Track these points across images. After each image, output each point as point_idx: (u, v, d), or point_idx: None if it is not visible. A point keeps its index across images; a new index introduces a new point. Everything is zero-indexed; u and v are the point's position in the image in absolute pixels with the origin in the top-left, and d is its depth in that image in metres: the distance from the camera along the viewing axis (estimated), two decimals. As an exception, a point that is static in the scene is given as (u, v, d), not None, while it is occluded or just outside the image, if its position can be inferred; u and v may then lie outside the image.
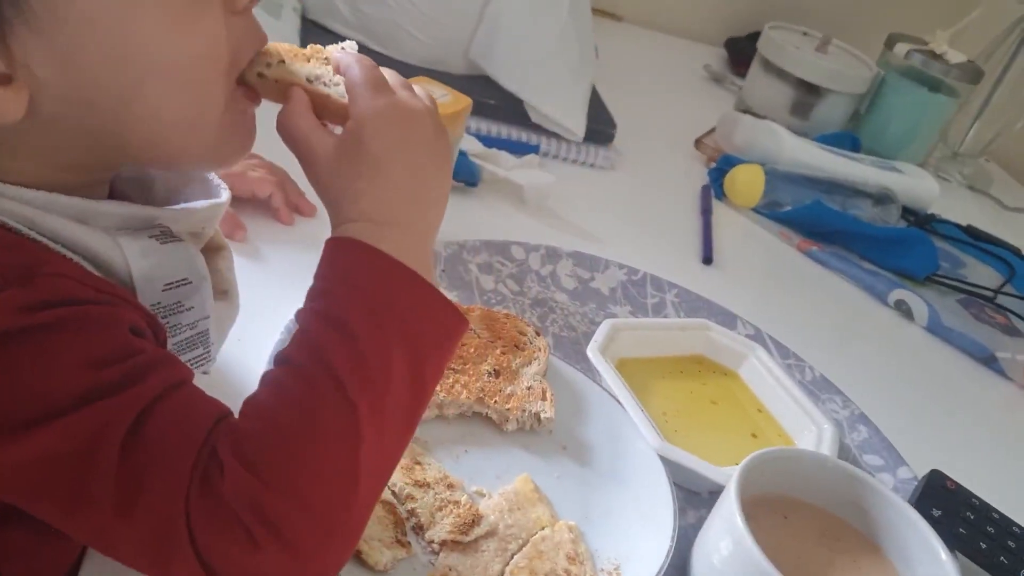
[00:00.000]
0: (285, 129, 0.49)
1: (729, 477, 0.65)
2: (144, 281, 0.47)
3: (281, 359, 0.44)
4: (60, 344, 0.40)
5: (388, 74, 0.51)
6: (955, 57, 1.38)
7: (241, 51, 0.48)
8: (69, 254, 0.44)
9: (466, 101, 0.82)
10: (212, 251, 0.58)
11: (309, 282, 0.74)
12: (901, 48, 1.39)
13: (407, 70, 1.09)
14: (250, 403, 0.42)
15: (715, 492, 0.68)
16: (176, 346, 0.51)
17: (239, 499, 0.39)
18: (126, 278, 0.47)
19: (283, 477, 0.40)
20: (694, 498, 0.70)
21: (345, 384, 0.41)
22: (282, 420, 0.41)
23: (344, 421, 0.41)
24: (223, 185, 0.57)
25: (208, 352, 0.53)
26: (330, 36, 1.12)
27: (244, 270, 0.76)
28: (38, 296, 0.40)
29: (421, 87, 0.52)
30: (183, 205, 0.53)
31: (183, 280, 0.50)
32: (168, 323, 0.50)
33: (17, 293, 0.39)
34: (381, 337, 0.43)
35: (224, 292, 0.57)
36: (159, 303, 0.49)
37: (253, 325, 0.70)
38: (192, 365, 0.52)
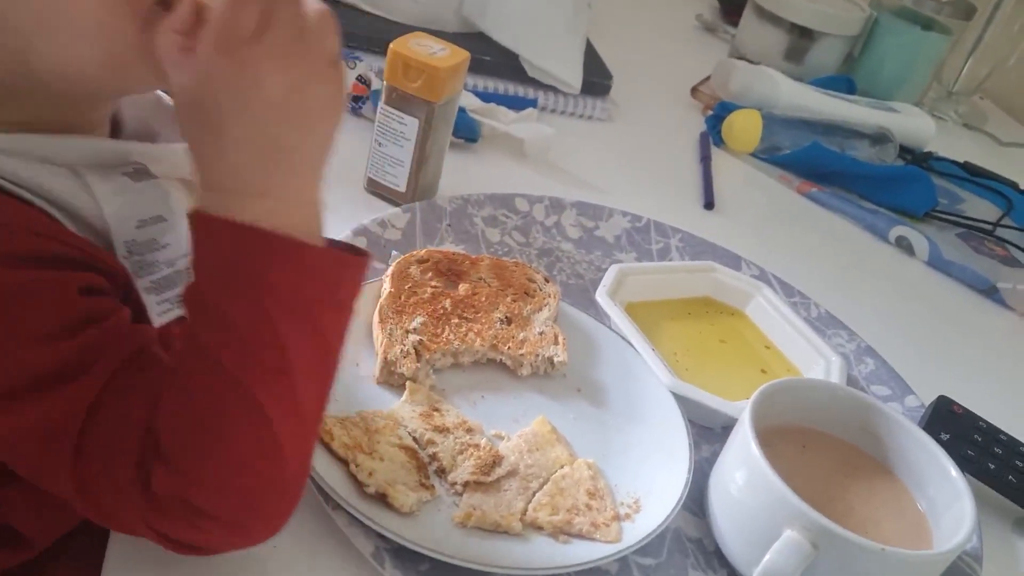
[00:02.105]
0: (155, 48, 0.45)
1: (741, 411, 0.67)
2: (116, 219, 0.48)
3: (179, 356, 0.43)
4: (10, 318, 0.42)
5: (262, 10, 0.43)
6: (946, -6, 1.38)
7: None
8: (29, 196, 0.45)
9: (463, 55, 0.82)
10: None
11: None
12: (893, -13, 1.39)
13: (401, 30, 1.10)
14: (165, 402, 0.43)
15: (728, 427, 0.70)
16: (154, 284, 0.51)
17: (172, 498, 0.42)
18: (95, 217, 0.48)
19: (205, 474, 0.42)
20: (708, 433, 0.71)
21: (239, 377, 0.42)
22: (192, 422, 0.42)
23: (248, 411, 0.42)
24: None
25: None
26: (322, -1, 1.12)
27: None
28: None
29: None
30: (162, 144, 0.53)
31: (158, 217, 0.51)
32: (144, 260, 0.50)
33: None
34: (260, 314, 0.42)
35: None
36: (133, 240, 0.50)
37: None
38: (172, 304, 0.52)
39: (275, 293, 0.42)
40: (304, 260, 0.43)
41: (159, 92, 0.57)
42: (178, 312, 0.52)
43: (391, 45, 0.80)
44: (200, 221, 0.43)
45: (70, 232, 0.46)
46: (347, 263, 0.46)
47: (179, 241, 0.52)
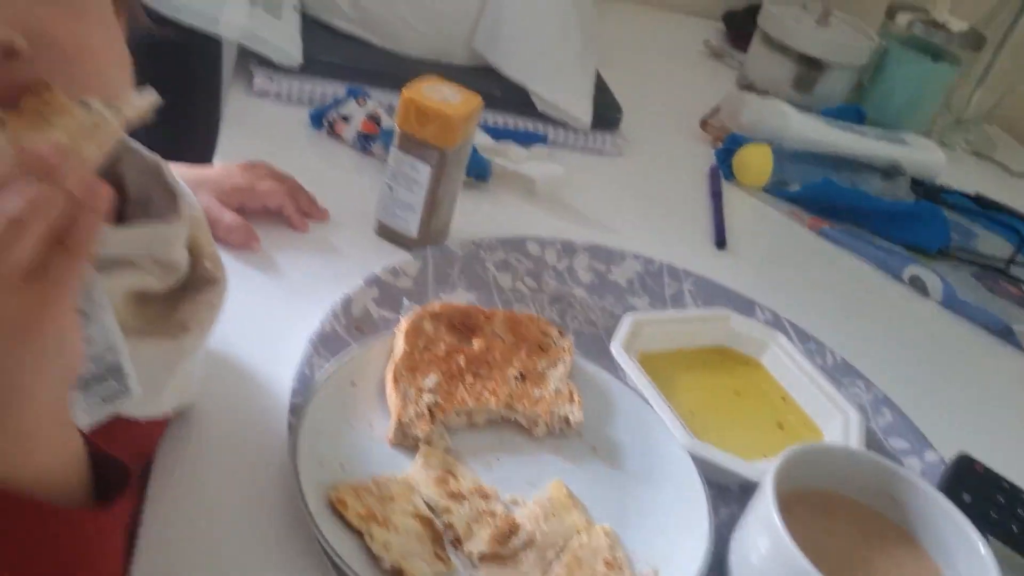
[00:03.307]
0: None
1: (760, 472, 0.65)
2: None
3: None
4: None
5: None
6: (956, 25, 1.37)
7: None
8: None
9: (476, 100, 0.81)
10: (202, 283, 0.55)
11: (326, 287, 0.75)
12: (902, 18, 1.38)
13: (410, 64, 1.09)
14: None
15: (745, 486, 0.69)
16: (81, 382, 0.45)
17: None
18: None
19: None
20: (725, 493, 0.70)
21: None
22: None
23: None
24: (192, 202, 0.54)
25: (125, 386, 0.47)
26: (331, 33, 1.11)
27: (260, 280, 0.77)
28: None
29: None
30: (123, 227, 0.48)
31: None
32: None
33: None
34: None
35: (184, 328, 0.53)
36: None
37: (274, 335, 0.71)
38: (104, 401, 0.47)
39: None
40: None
41: (159, 159, 0.55)
42: (110, 409, 0.47)
43: (404, 91, 0.79)
44: None
45: None
46: (62, 519, 0.40)
47: (104, 335, 0.45)
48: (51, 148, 0.35)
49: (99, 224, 0.36)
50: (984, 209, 1.27)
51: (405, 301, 0.77)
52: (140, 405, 0.49)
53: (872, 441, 0.78)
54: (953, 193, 1.28)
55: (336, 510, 0.56)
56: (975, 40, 1.39)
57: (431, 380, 0.66)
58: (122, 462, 0.44)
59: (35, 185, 0.34)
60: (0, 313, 0.35)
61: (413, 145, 0.80)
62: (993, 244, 1.20)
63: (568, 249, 0.90)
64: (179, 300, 0.54)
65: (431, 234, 0.85)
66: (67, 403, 0.41)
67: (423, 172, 0.81)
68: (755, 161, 1.14)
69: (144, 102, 0.39)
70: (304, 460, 0.58)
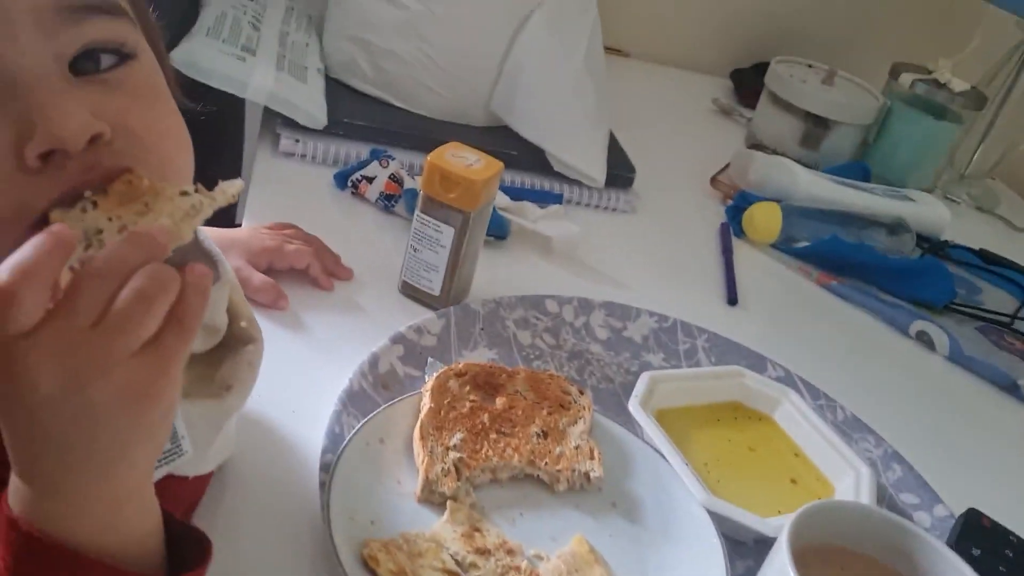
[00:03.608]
0: None
1: (775, 528, 0.68)
2: None
3: None
4: None
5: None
6: (959, 85, 1.41)
7: (33, 206, 0.40)
8: None
9: (497, 165, 0.85)
10: (239, 343, 0.57)
11: (351, 345, 0.77)
12: (906, 78, 1.42)
13: (430, 124, 1.13)
14: None
15: (761, 541, 0.71)
16: None
17: None
18: None
19: None
20: (741, 548, 0.72)
21: None
22: None
23: None
24: (224, 267, 0.56)
25: (177, 446, 0.50)
26: (354, 95, 1.15)
27: (288, 339, 0.80)
28: None
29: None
30: None
31: None
32: None
33: None
34: None
35: (227, 387, 0.55)
36: None
37: (302, 392, 0.73)
38: (160, 463, 0.49)
39: None
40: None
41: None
42: (166, 470, 0.50)
43: (429, 157, 0.82)
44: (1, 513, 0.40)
45: None
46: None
47: None
48: (161, 231, 0.39)
49: (206, 299, 0.39)
50: (988, 264, 1.30)
51: (429, 359, 0.80)
52: (190, 464, 0.51)
53: (883, 496, 0.81)
54: (958, 248, 1.31)
55: (368, 567, 0.58)
56: (977, 99, 1.43)
57: (457, 437, 0.69)
58: (201, 532, 0.46)
59: (159, 266, 0.38)
60: (124, 382, 0.37)
61: (437, 208, 0.83)
62: (997, 299, 1.23)
63: (585, 306, 0.93)
64: (219, 360, 0.57)
65: (453, 293, 0.88)
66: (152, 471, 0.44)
67: (447, 234, 0.84)
68: (765, 218, 1.18)
69: (233, 190, 0.43)
70: (336, 518, 0.60)
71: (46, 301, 0.36)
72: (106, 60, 0.43)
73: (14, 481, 0.40)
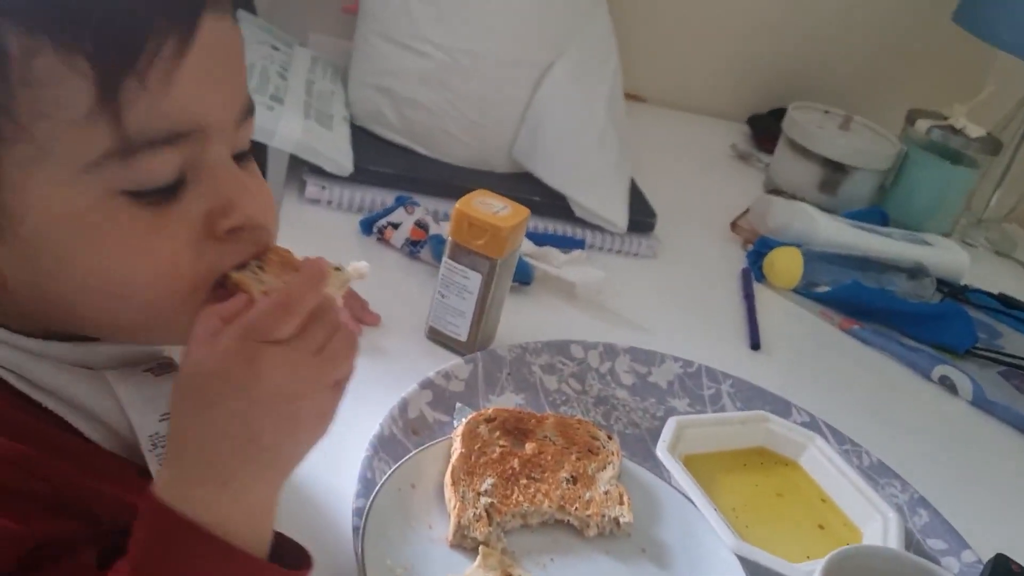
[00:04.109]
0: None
1: (806, 574, 0.68)
2: (140, 416, 0.50)
3: None
4: None
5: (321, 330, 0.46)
6: (974, 131, 1.42)
7: (220, 267, 0.47)
8: (49, 403, 0.47)
9: (524, 212, 0.86)
10: None
11: (380, 390, 0.78)
12: (922, 124, 1.44)
13: (454, 171, 1.15)
14: None
15: (790, 587, 0.71)
16: None
17: None
18: (116, 422, 0.49)
19: None
20: (770, 593, 0.72)
21: None
22: None
23: None
24: None
25: None
26: (379, 143, 1.17)
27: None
28: None
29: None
30: None
31: None
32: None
33: None
34: None
35: None
36: (156, 432, 0.50)
37: (333, 437, 0.74)
38: None
39: None
40: (234, 569, 0.44)
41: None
42: None
43: (457, 205, 0.84)
44: (149, 502, 0.44)
45: (62, 466, 0.46)
46: (275, 571, 0.46)
47: None
48: (331, 298, 0.48)
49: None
50: (1008, 308, 1.30)
51: (458, 404, 0.81)
52: None
53: (910, 542, 0.81)
54: (977, 292, 1.31)
55: (403, 611, 0.59)
56: (992, 145, 1.44)
57: (488, 483, 0.70)
58: (301, 546, 0.51)
59: (348, 326, 0.48)
60: (321, 404, 0.47)
61: (465, 255, 0.85)
62: (1018, 343, 1.23)
63: (610, 352, 0.93)
64: None
65: (480, 339, 0.89)
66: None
67: (474, 280, 0.85)
68: (786, 264, 1.18)
69: (365, 269, 0.52)
70: (371, 563, 0.61)
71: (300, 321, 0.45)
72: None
73: (166, 474, 0.45)
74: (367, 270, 0.52)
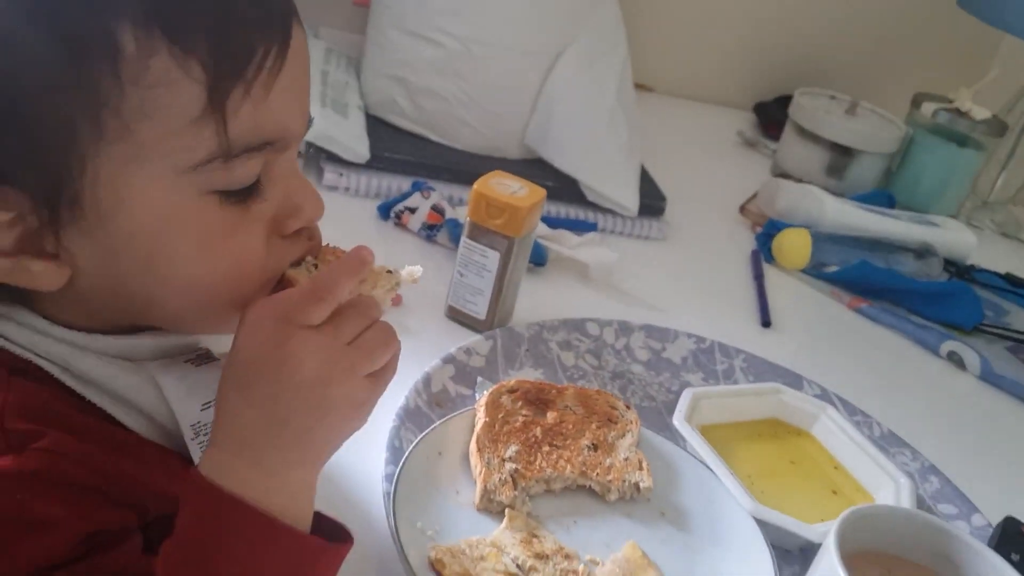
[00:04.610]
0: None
1: (820, 534, 0.70)
2: (181, 404, 0.51)
3: None
4: (19, 538, 0.43)
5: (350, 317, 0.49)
6: (979, 113, 1.44)
7: (284, 264, 0.51)
8: (95, 396, 0.48)
9: (541, 192, 0.88)
10: None
11: (403, 366, 0.79)
12: (928, 107, 1.46)
13: (468, 158, 1.17)
14: None
15: (805, 549, 0.73)
16: None
17: None
18: (160, 413, 0.51)
19: None
20: (786, 555, 0.74)
21: None
22: None
23: None
24: None
25: None
26: (394, 131, 1.19)
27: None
28: (24, 468, 0.44)
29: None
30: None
31: None
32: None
33: (7, 461, 0.43)
34: None
35: None
36: (199, 421, 0.52)
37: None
38: None
39: (242, 567, 0.45)
40: (279, 542, 0.46)
41: None
42: None
43: (475, 185, 0.86)
44: (193, 479, 0.46)
45: (113, 458, 0.48)
46: (323, 551, 0.48)
47: None
48: (375, 298, 0.51)
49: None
50: (1014, 287, 1.32)
51: (479, 379, 0.83)
52: None
53: (922, 507, 0.83)
54: (984, 272, 1.33)
55: (435, 569, 0.61)
56: (998, 127, 1.46)
57: (512, 450, 0.72)
58: (341, 524, 0.53)
59: (386, 324, 0.51)
60: (354, 392, 0.49)
61: (483, 234, 0.87)
62: (1025, 320, 1.25)
63: (625, 329, 0.96)
64: None
65: (498, 317, 0.91)
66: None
67: (492, 259, 0.87)
68: (795, 245, 1.20)
69: (418, 274, 0.55)
70: (403, 524, 0.63)
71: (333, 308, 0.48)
72: None
73: (208, 454, 0.47)
74: (419, 274, 0.54)
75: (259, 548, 0.46)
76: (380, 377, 0.50)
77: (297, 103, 0.47)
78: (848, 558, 0.63)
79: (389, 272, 0.53)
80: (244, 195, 0.46)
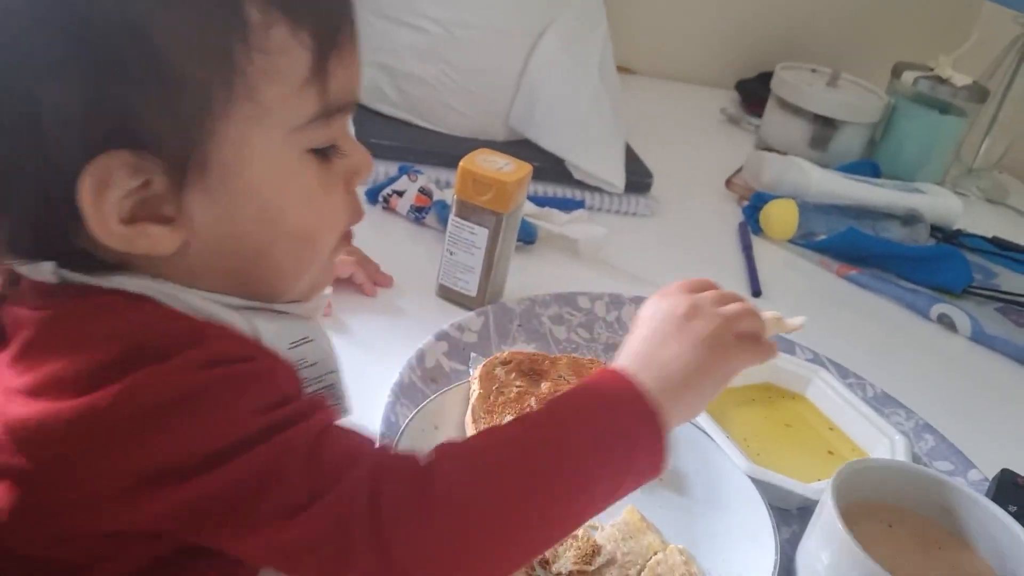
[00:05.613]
0: None
1: (818, 492, 0.70)
2: (272, 342, 0.53)
3: (499, 441, 0.51)
4: (235, 394, 0.45)
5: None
6: (960, 80, 1.45)
7: (352, 216, 0.55)
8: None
9: (527, 168, 0.89)
10: None
11: (396, 344, 0.81)
12: (908, 76, 1.46)
13: (454, 141, 1.17)
14: (445, 471, 0.49)
15: (803, 508, 0.74)
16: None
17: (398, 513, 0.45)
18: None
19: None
20: (784, 514, 0.74)
21: (533, 495, 0.48)
22: (457, 513, 0.46)
23: (515, 526, 0.47)
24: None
25: (342, 404, 0.59)
26: (380, 118, 1.19)
27: (335, 340, 0.82)
28: (211, 355, 0.46)
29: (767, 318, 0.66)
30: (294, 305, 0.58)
31: (303, 339, 0.56)
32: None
33: (193, 353, 0.45)
34: (603, 472, 0.50)
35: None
36: (287, 359, 0.53)
37: (357, 388, 0.75)
38: None
39: (622, 463, 0.51)
40: (655, 447, 0.53)
41: None
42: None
43: (462, 162, 0.86)
44: (612, 375, 0.55)
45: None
46: (658, 464, 0.54)
47: (324, 359, 0.57)
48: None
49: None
50: (1002, 250, 1.33)
51: (472, 354, 0.83)
52: None
53: (917, 464, 0.83)
54: (971, 236, 1.34)
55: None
56: (979, 93, 1.47)
57: (507, 419, 0.72)
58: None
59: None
60: (748, 353, 0.63)
61: (471, 211, 0.87)
62: (1014, 281, 1.26)
63: (616, 302, 0.96)
64: None
65: (489, 293, 0.91)
66: None
67: (481, 235, 0.88)
68: (782, 215, 1.21)
69: (800, 323, 0.70)
70: (401, 494, 0.63)
71: None
72: None
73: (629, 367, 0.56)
74: (801, 325, 0.68)
75: (645, 451, 0.53)
76: (746, 336, 0.63)
77: (359, 69, 0.52)
78: (847, 511, 0.64)
79: (778, 318, 0.67)
80: (330, 153, 0.51)
